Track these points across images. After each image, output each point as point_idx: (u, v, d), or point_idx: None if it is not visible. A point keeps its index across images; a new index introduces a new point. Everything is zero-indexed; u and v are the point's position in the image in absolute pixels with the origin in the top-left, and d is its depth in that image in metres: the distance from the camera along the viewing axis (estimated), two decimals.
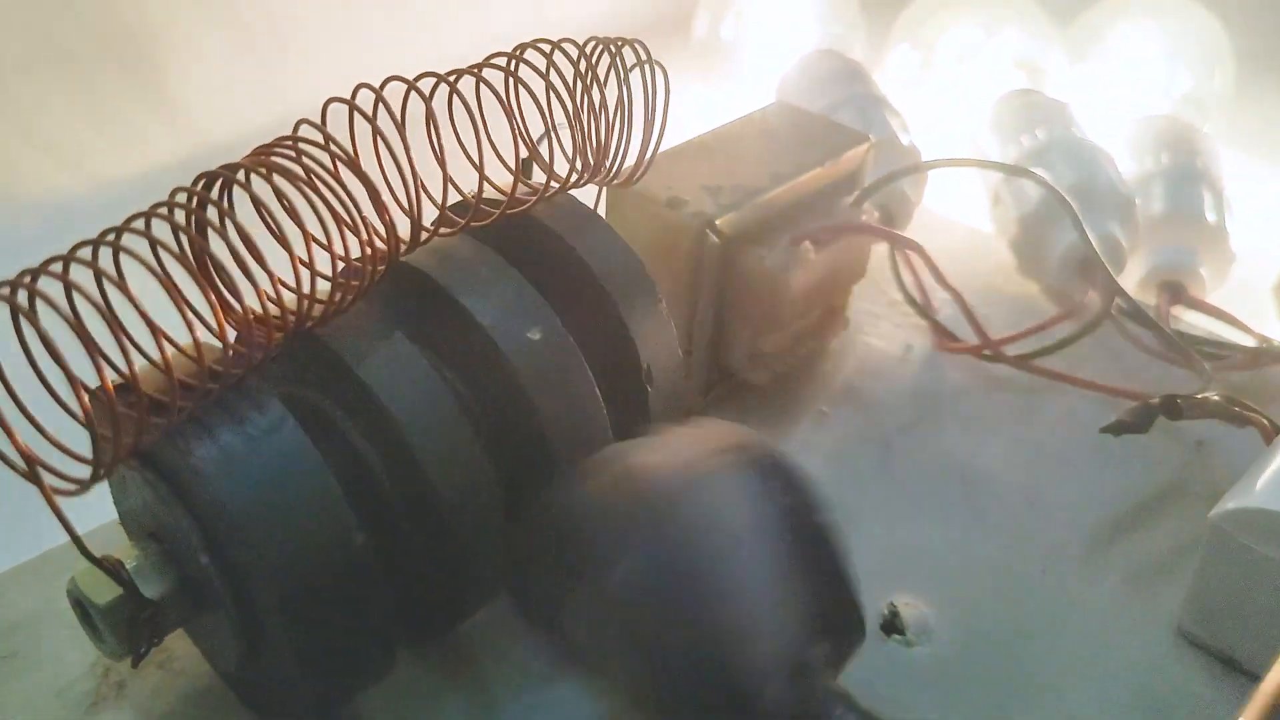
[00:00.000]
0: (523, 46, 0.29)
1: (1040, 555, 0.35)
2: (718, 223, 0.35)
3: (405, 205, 0.26)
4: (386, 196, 0.26)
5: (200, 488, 0.23)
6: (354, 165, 0.24)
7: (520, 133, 0.29)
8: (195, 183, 0.24)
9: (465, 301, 0.27)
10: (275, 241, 0.24)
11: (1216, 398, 0.34)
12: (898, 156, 0.46)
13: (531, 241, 0.30)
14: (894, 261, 0.43)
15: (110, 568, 0.24)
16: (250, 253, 0.23)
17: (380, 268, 0.26)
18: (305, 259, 0.24)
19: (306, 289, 0.24)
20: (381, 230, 0.25)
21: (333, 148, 0.24)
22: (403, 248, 0.26)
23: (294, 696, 0.25)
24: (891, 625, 0.32)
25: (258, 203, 0.24)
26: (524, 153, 0.29)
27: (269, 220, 0.24)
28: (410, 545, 0.26)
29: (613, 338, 0.30)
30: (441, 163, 0.27)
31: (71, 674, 0.29)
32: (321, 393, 0.26)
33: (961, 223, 0.50)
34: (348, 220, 0.24)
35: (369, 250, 0.25)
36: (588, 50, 0.30)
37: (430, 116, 0.27)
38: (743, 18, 0.59)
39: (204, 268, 0.23)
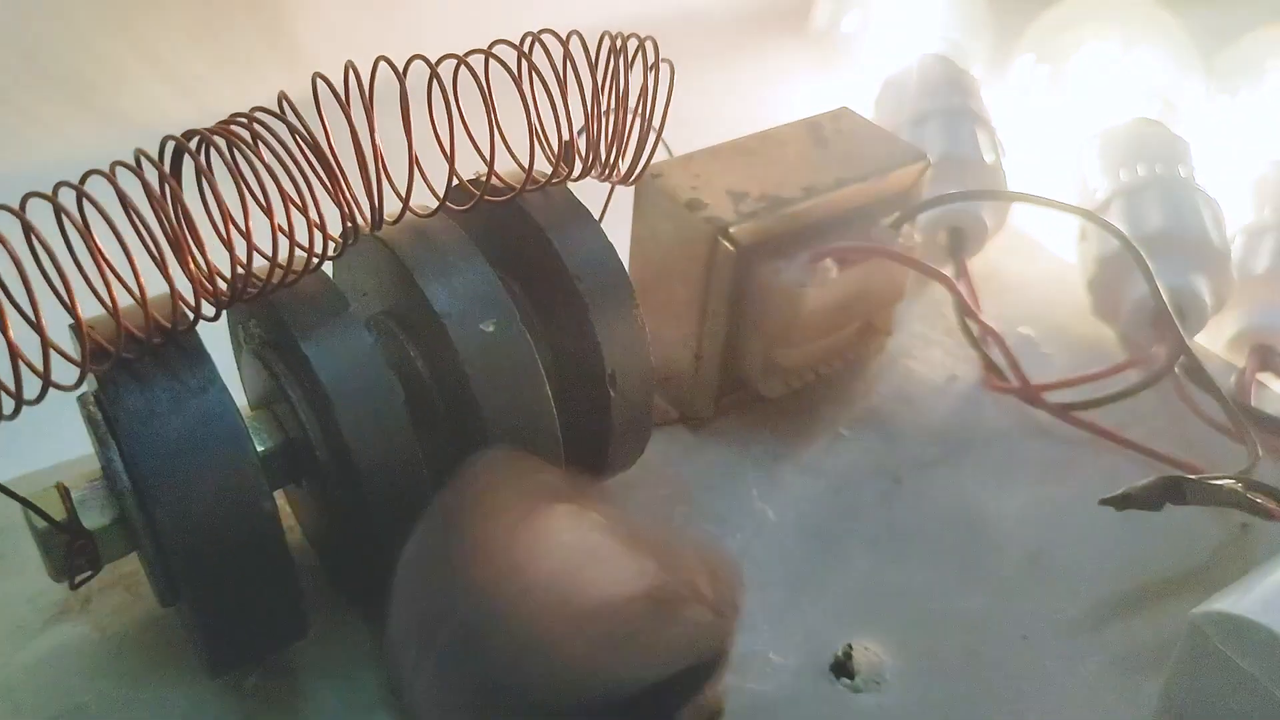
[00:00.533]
0: (532, 36, 0.29)
1: (1025, 620, 0.33)
2: (732, 230, 0.34)
3: (371, 184, 0.26)
4: (360, 174, 0.26)
5: (121, 437, 0.24)
6: (311, 142, 0.25)
7: (534, 122, 0.29)
8: (163, 144, 0.25)
9: (425, 286, 0.27)
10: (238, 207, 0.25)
11: (1236, 484, 0.31)
12: (978, 176, 0.44)
13: (514, 232, 0.30)
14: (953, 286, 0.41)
15: (61, 494, 0.26)
16: (209, 215, 0.24)
17: (330, 246, 0.26)
18: (242, 228, 0.24)
19: (265, 257, 0.25)
20: (335, 207, 0.26)
21: (290, 120, 0.25)
22: (363, 226, 0.27)
23: (200, 650, 0.27)
24: (842, 667, 0.31)
25: (227, 168, 0.25)
26: (517, 141, 0.29)
27: (242, 184, 0.25)
28: (339, 512, 0.27)
29: (578, 339, 0.29)
30: (442, 146, 0.27)
31: (47, 584, 0.31)
32: (277, 357, 0.27)
33: (1050, 251, 0.47)
34: (295, 198, 0.24)
35: (316, 226, 0.25)
36: (603, 46, 0.30)
37: (446, 95, 0.27)
38: (867, 12, 0.56)
39: (164, 224, 0.24)
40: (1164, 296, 0.38)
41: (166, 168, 0.24)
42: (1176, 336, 0.37)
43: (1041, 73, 0.54)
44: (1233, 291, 0.41)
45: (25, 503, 0.24)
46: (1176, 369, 0.38)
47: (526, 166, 0.29)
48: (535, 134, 0.28)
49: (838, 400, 0.40)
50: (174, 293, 0.24)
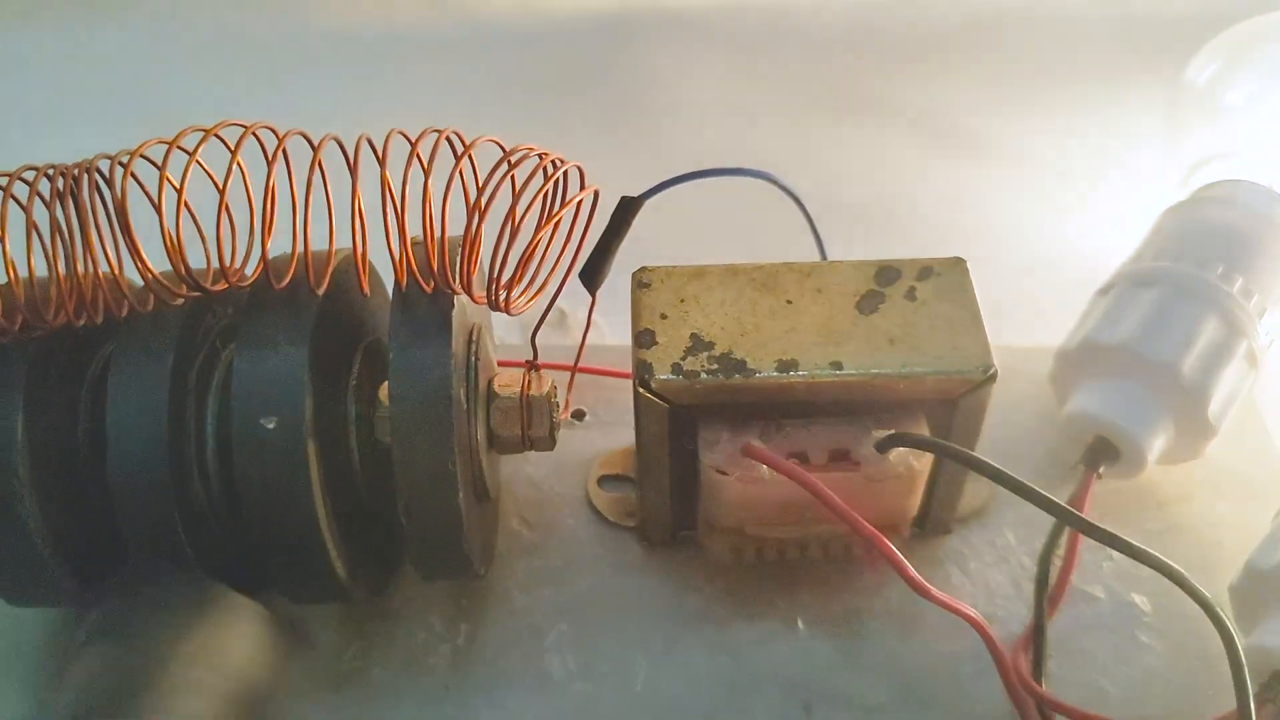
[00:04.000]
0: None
1: None
2: (653, 385, 0.29)
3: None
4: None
5: None
6: (118, 207, 0.25)
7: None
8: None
9: (236, 362, 0.27)
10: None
11: None
12: (1157, 390, 0.33)
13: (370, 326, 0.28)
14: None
15: None
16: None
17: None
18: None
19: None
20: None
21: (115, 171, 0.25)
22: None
23: None
24: None
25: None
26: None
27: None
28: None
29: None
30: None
31: None
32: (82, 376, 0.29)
33: None
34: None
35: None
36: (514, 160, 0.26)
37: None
38: (1263, 86, 0.42)
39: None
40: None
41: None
42: None
43: None
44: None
45: None
46: None
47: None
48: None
49: (798, 589, 0.34)
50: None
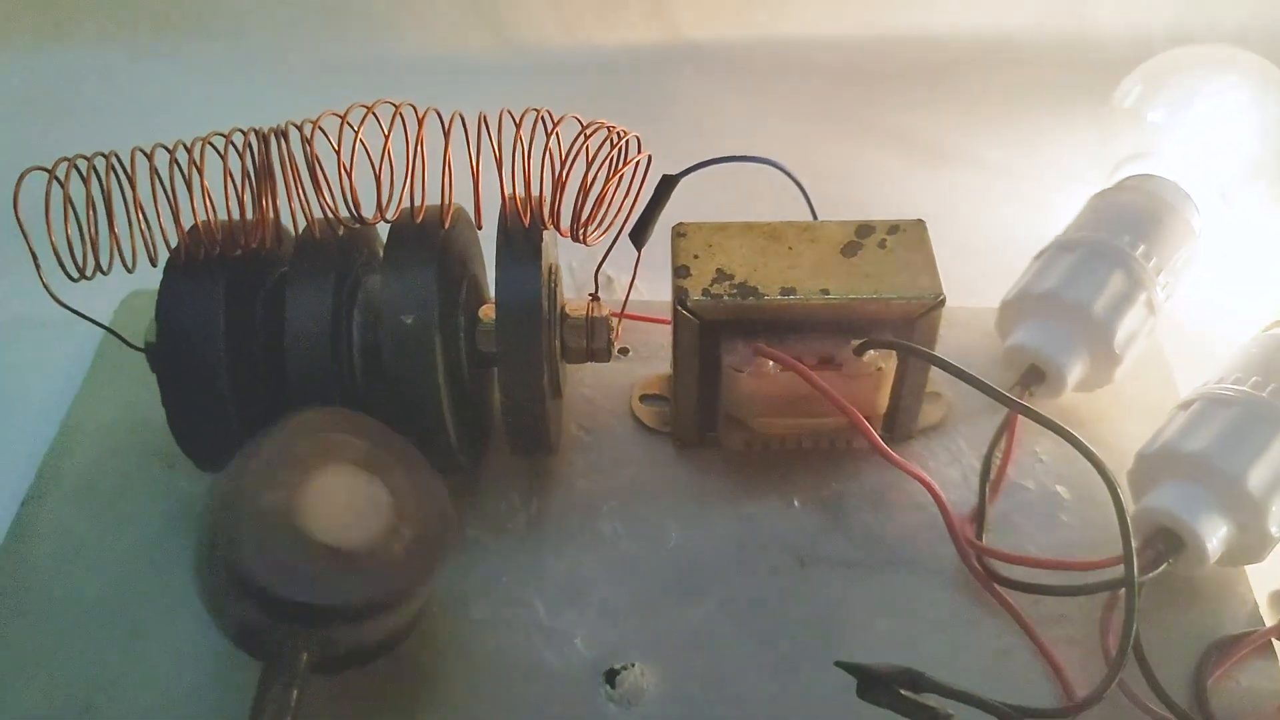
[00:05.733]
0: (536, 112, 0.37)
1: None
2: (690, 304, 0.39)
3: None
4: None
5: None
6: (311, 157, 0.35)
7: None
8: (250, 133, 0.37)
9: (385, 274, 0.37)
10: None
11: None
12: (1078, 327, 0.43)
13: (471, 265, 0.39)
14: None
15: None
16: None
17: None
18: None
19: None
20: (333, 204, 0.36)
21: (305, 133, 0.35)
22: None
23: None
24: (611, 677, 0.38)
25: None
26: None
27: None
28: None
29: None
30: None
31: None
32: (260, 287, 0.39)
33: None
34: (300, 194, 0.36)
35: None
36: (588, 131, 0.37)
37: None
38: (1179, 111, 0.52)
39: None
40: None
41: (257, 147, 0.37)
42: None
43: None
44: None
45: None
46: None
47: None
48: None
49: (794, 473, 0.43)
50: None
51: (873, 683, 0.33)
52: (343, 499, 0.34)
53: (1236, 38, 0.53)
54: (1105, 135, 0.52)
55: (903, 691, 0.32)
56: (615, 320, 0.42)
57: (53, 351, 0.49)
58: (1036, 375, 0.43)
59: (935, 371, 0.41)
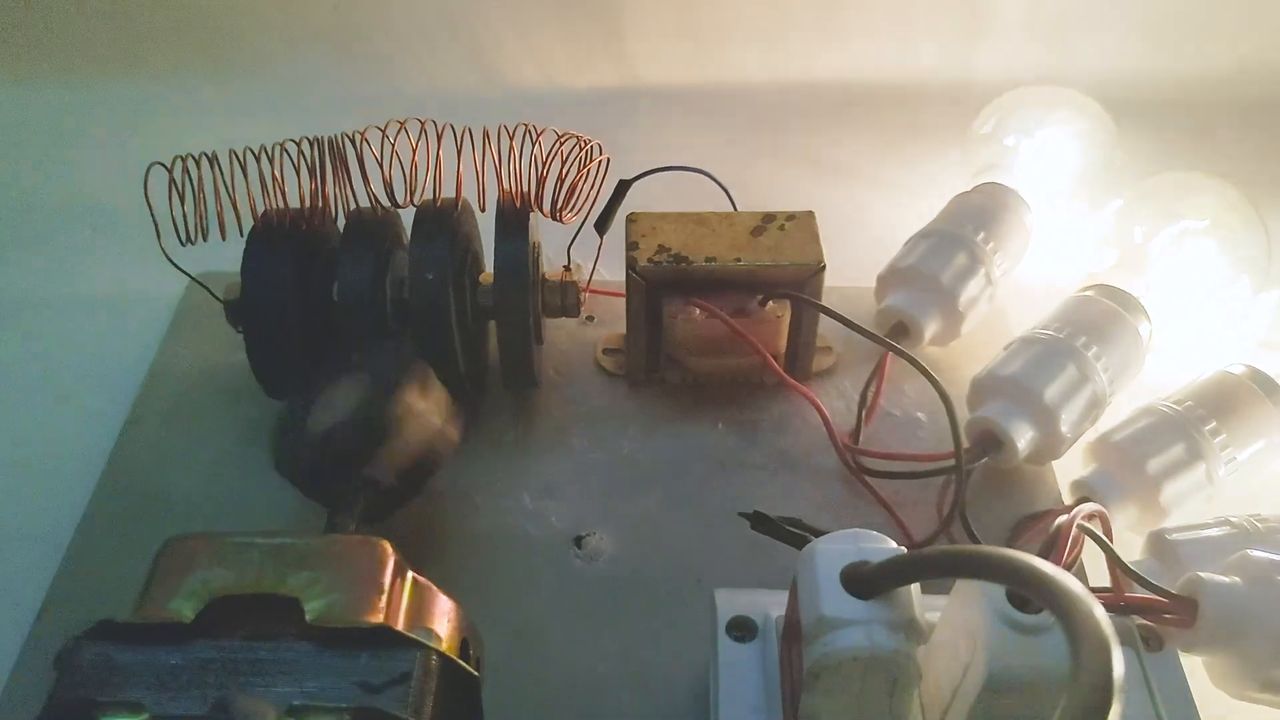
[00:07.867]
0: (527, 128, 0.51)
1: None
2: (638, 268, 0.53)
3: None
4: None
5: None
6: (358, 159, 0.49)
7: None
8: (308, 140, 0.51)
9: (412, 245, 0.51)
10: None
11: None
12: (927, 292, 0.56)
13: (472, 244, 0.52)
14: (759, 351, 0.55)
15: None
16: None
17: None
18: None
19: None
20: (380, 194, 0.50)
21: (354, 141, 0.49)
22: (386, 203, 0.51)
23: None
24: (579, 541, 0.51)
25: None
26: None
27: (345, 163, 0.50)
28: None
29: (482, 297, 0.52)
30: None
31: None
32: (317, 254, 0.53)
33: None
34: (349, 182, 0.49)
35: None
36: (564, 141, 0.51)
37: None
38: (1023, 138, 0.66)
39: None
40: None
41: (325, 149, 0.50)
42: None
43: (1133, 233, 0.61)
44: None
45: None
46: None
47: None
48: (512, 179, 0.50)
49: (731, 405, 0.57)
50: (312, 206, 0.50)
51: (762, 519, 0.46)
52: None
53: (1073, 81, 0.68)
54: (967, 154, 0.67)
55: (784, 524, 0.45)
56: (583, 292, 0.55)
57: (128, 321, 0.62)
58: (901, 330, 0.57)
59: (826, 329, 0.55)
